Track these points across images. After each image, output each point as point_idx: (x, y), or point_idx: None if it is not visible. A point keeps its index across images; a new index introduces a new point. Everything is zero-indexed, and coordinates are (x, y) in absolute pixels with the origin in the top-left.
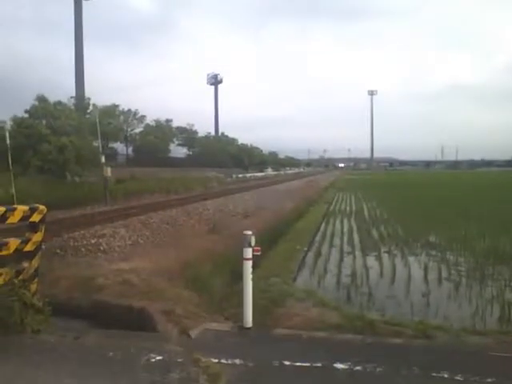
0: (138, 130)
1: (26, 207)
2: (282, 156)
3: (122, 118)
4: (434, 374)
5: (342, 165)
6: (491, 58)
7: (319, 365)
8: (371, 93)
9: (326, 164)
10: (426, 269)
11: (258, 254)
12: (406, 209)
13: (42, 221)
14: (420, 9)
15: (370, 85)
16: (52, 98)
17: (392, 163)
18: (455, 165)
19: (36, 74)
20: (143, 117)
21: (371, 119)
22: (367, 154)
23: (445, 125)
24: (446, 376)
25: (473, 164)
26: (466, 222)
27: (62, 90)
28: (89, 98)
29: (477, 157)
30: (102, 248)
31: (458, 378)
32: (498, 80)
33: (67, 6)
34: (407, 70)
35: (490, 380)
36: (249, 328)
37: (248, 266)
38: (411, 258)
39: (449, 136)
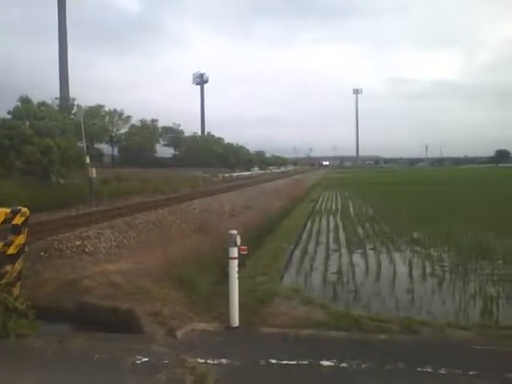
0: (123, 131)
1: (7, 210)
2: (268, 155)
3: (107, 118)
4: (419, 369)
5: (327, 163)
6: (475, 57)
7: (305, 362)
8: (356, 91)
9: (313, 162)
10: (410, 265)
11: (245, 253)
12: (390, 206)
13: (24, 223)
14: (405, 7)
15: (355, 83)
16: (36, 99)
17: (377, 161)
18: (439, 162)
19: (19, 76)
20: (128, 117)
21: (356, 118)
22: (353, 152)
23: (429, 123)
24: (429, 370)
25: (456, 161)
26: (450, 218)
27: (46, 91)
28: (73, 99)
29: (460, 154)
30: (87, 250)
31: (442, 372)
32: (481, 78)
33: (51, 6)
34: (392, 68)
35: (472, 373)
36: (235, 327)
37: (234, 265)
38: (396, 255)
39: (433, 134)
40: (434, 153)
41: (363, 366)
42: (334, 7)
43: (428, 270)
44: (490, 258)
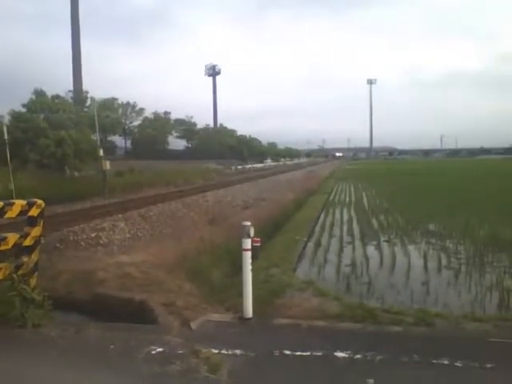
0: (136, 123)
1: (23, 202)
2: (281, 147)
3: (120, 111)
4: (434, 361)
5: (340, 154)
6: (491, 46)
7: (320, 354)
8: (370, 82)
9: (326, 154)
10: (425, 257)
11: (258, 245)
12: (405, 198)
13: (40, 215)
14: None
15: (369, 74)
16: (50, 92)
17: (391, 152)
18: (454, 153)
19: (33, 69)
20: (142, 109)
21: (370, 108)
22: (366, 144)
23: (444, 113)
24: (445, 362)
25: (472, 152)
26: (464, 210)
27: (60, 84)
28: (87, 92)
29: (476, 145)
30: (101, 241)
31: (458, 365)
32: (497, 67)
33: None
34: (407, 58)
35: (489, 366)
36: (249, 318)
37: (247, 256)
38: (411, 247)
39: (448, 124)
40: (450, 144)
41: (378, 357)
42: None
43: (443, 261)
44: (507, 250)
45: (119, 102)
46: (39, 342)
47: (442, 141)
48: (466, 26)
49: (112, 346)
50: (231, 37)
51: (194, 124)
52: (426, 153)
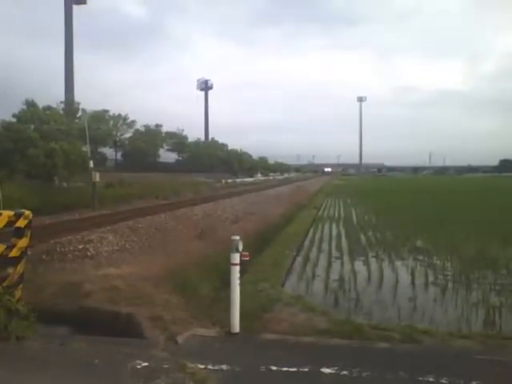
0: (127, 135)
1: (11, 212)
2: (271, 161)
3: (111, 122)
4: (420, 378)
5: (329, 169)
6: (479, 66)
7: (306, 370)
8: (360, 99)
9: (316, 169)
10: (412, 273)
11: (247, 259)
12: (393, 214)
13: (27, 226)
14: (409, 16)
15: (359, 91)
16: (41, 102)
17: (380, 169)
18: (442, 171)
19: (25, 79)
20: (133, 122)
21: (360, 125)
22: (356, 160)
23: (433, 131)
24: (431, 380)
25: (460, 170)
26: (449, 227)
27: (52, 95)
28: (78, 103)
29: (464, 163)
30: (89, 253)
31: (444, 381)
32: (485, 87)
33: (58, 10)
34: (396, 76)
35: (474, 383)
36: (236, 333)
37: (235, 271)
38: (398, 263)
39: (437, 142)
40: (438, 161)
41: (364, 374)
42: (338, 14)
43: (430, 278)
44: (493, 267)
45: (110, 113)
46: (22, 354)
47: (430, 158)
48: (456, 46)
49: (97, 360)
50: (224, 51)
51: (185, 137)
52: (415, 170)
